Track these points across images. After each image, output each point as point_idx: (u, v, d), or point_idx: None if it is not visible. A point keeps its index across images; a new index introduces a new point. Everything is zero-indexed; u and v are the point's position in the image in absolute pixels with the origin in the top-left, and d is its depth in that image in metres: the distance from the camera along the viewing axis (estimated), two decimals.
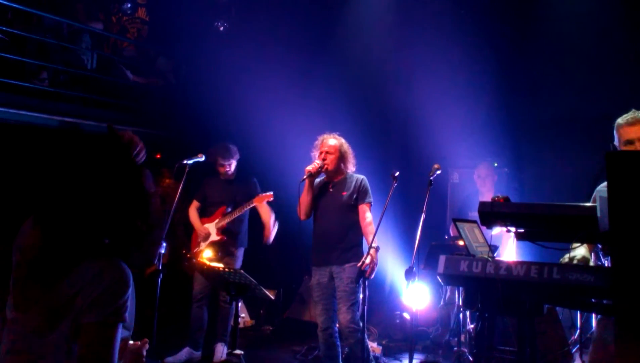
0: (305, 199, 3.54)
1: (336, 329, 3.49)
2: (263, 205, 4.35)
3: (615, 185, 1.67)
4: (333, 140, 3.57)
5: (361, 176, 3.60)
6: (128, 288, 1.41)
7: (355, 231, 3.50)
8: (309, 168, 3.47)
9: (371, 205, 3.56)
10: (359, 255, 3.48)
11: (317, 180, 3.66)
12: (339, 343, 3.50)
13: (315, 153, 3.61)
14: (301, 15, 6.25)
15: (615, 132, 2.63)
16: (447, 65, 5.32)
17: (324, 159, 3.52)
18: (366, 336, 3.46)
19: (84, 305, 1.35)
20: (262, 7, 6.50)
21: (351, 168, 3.62)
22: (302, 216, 3.59)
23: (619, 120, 2.62)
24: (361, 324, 3.38)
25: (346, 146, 3.60)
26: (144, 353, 1.73)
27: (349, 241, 3.47)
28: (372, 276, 3.28)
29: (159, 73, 6.81)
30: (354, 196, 3.51)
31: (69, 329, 1.36)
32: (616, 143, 2.60)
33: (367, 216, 3.50)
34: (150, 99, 6.48)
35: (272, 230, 4.34)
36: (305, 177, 3.47)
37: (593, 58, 5.08)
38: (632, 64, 4.87)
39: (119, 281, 1.39)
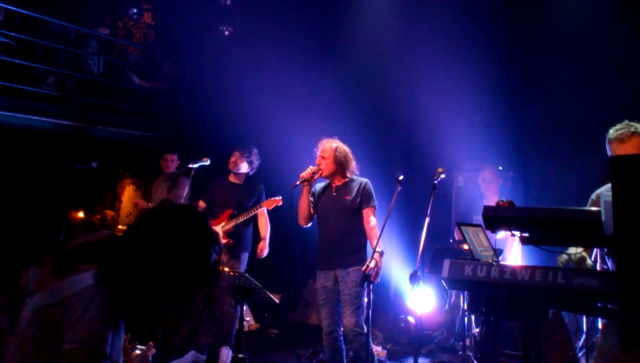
0: (302, 205, 3.56)
1: (341, 333, 3.49)
2: (263, 215, 4.39)
3: (620, 189, 1.67)
4: (328, 144, 3.56)
5: (365, 180, 3.59)
6: (110, 320, 1.33)
7: (358, 235, 3.49)
8: (303, 173, 3.49)
9: (375, 209, 3.55)
10: (363, 258, 3.48)
11: (321, 184, 3.66)
12: (343, 347, 3.50)
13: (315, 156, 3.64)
14: (306, 19, 6.28)
15: (607, 144, 2.59)
16: (451, 68, 5.32)
17: (319, 164, 3.53)
18: (371, 340, 3.46)
19: (63, 322, 1.31)
20: (267, 12, 6.53)
21: (352, 170, 3.61)
22: (301, 222, 3.60)
23: (610, 133, 2.57)
24: (366, 328, 3.39)
25: (343, 150, 3.56)
26: (150, 358, 1.74)
27: (352, 245, 3.47)
28: (377, 280, 3.28)
29: (164, 77, 6.86)
30: (358, 200, 3.51)
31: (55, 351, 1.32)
32: (609, 153, 2.56)
33: (371, 220, 3.49)
34: (156, 103, 6.53)
35: (266, 246, 4.37)
36: (298, 183, 3.49)
37: (598, 62, 5.07)
38: (638, 67, 4.85)
39: (104, 308, 1.33)
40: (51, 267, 1.44)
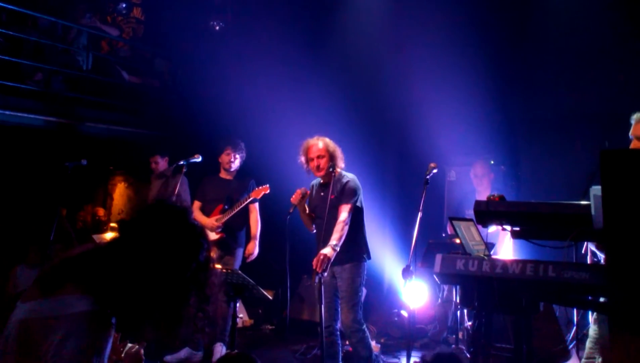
0: (303, 219, 3.66)
1: (337, 327, 3.50)
2: (254, 210, 4.41)
3: (609, 183, 1.68)
4: (320, 143, 3.54)
5: (350, 177, 3.54)
6: (93, 347, 1.30)
7: (353, 231, 3.47)
8: (292, 198, 3.52)
9: (352, 206, 3.44)
10: (358, 254, 3.49)
11: (315, 182, 3.67)
12: (339, 341, 3.51)
13: (302, 158, 3.59)
14: (297, 14, 6.24)
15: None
16: (442, 63, 5.32)
17: (317, 166, 3.52)
18: (369, 335, 3.47)
19: (42, 344, 1.28)
20: (258, 6, 6.49)
21: (341, 164, 3.60)
22: (310, 230, 3.68)
23: (633, 115, 2.65)
24: (364, 324, 3.41)
25: (333, 145, 3.57)
26: (142, 354, 1.74)
27: (347, 243, 3.43)
28: (320, 269, 3.21)
29: (155, 73, 6.80)
30: (340, 197, 3.49)
31: None
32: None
33: (342, 215, 3.41)
34: (146, 99, 6.47)
35: (256, 246, 4.36)
36: (291, 210, 3.54)
37: (589, 55, 5.09)
38: (629, 61, 4.88)
39: (87, 336, 1.30)
40: (37, 284, 1.40)
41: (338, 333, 3.50)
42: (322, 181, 3.64)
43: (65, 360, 1.27)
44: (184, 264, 1.43)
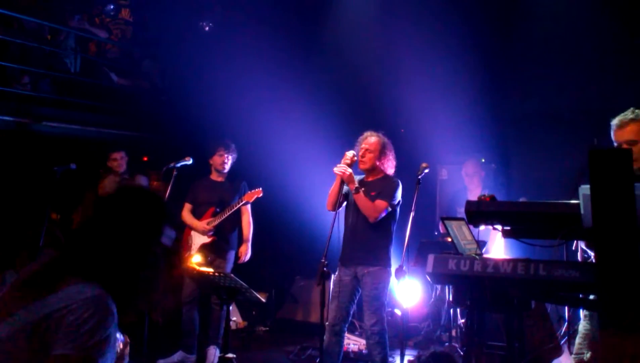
0: (334, 190, 3.44)
1: (345, 328, 3.47)
2: (246, 212, 4.38)
3: (597, 182, 1.70)
4: (374, 137, 3.48)
5: (395, 180, 3.49)
6: (110, 327, 1.32)
7: (381, 234, 3.41)
8: (349, 154, 3.36)
9: (388, 205, 3.37)
10: (385, 258, 3.43)
11: (357, 178, 3.53)
12: (343, 343, 3.48)
13: (356, 147, 3.51)
14: (287, 14, 6.23)
15: (612, 133, 2.64)
16: (432, 62, 5.34)
17: (362, 156, 3.44)
18: (387, 339, 3.41)
19: (58, 331, 1.28)
20: (247, 6, 6.47)
21: (389, 169, 3.52)
22: (328, 207, 3.49)
23: (612, 121, 2.62)
24: (386, 329, 3.38)
25: (387, 146, 3.50)
26: (127, 352, 1.72)
27: (373, 243, 3.40)
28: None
29: (144, 75, 6.75)
30: (380, 193, 3.42)
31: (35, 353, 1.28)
32: (615, 145, 2.60)
33: (380, 204, 3.35)
34: (136, 101, 6.42)
35: (248, 248, 4.33)
36: (349, 163, 3.34)
37: (579, 53, 5.14)
38: (618, 60, 4.93)
39: (103, 317, 1.31)
40: (27, 289, 1.38)
41: (344, 335, 3.47)
42: (363, 178, 3.55)
43: (82, 340, 1.27)
44: (158, 230, 1.54)
